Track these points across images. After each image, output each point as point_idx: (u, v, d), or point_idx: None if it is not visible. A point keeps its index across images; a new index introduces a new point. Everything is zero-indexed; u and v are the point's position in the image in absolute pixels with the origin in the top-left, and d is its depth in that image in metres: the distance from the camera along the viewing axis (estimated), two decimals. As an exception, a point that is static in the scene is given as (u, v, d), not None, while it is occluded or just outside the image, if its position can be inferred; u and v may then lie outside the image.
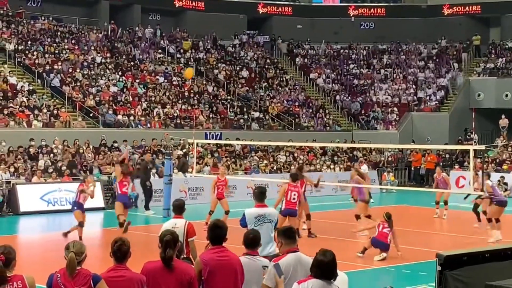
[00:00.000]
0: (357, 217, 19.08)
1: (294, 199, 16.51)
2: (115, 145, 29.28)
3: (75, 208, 17.62)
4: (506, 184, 29.64)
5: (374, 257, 15.26)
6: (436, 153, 35.43)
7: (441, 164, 34.99)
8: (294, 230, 7.24)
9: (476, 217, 20.30)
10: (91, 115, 31.38)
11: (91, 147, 28.47)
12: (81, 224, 17.30)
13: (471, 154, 16.20)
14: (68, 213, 22.99)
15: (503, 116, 37.80)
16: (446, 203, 22.02)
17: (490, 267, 8.34)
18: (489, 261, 8.39)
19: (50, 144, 27.61)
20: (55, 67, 33.47)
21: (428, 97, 41.33)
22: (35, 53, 34.04)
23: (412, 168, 35.33)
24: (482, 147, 17.51)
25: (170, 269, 6.39)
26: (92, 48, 36.85)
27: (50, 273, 6.19)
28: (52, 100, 31.56)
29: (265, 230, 9.69)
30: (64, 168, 25.66)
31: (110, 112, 31.70)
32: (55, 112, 30.32)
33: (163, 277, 6.37)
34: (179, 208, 9.83)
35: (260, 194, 10.21)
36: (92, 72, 34.73)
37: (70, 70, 33.93)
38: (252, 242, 7.15)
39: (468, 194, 20.99)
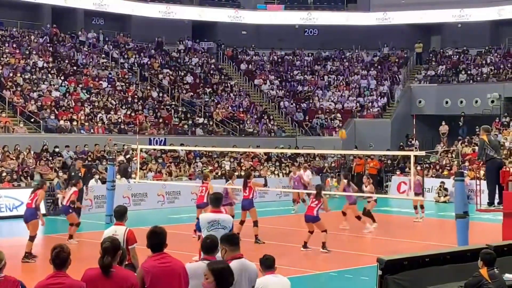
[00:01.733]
0: (359, 218, 20.75)
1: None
2: (57, 150, 28.86)
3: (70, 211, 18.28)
4: (446, 189, 30.19)
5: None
6: (378, 158, 35.88)
7: (383, 169, 35.57)
8: (237, 237, 7.26)
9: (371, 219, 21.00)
10: (32, 120, 30.85)
11: (32, 152, 27.99)
12: (77, 224, 18.38)
13: (412, 160, 16.46)
14: (8, 220, 22.62)
15: (443, 123, 38.51)
16: (422, 207, 22.84)
17: (430, 271, 8.49)
18: (429, 265, 8.54)
19: (-11, 150, 27.04)
20: (-5, 71, 32.85)
21: (370, 104, 41.89)
22: (-26, 56, 33.36)
23: (354, 173, 35.65)
24: (423, 153, 17.81)
25: (109, 276, 6.29)
26: (34, 52, 36.25)
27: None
28: (-8, 104, 30.96)
29: (218, 235, 9.67)
30: (4, 174, 25.17)
31: (52, 117, 31.22)
32: (-5, 117, 29.72)
33: (103, 284, 6.28)
34: (120, 215, 9.66)
35: (215, 200, 10.27)
36: (34, 77, 34.16)
37: (11, 75, 33.31)
38: (209, 247, 7.11)
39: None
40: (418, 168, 24.89)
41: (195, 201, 18.49)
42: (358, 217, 20.76)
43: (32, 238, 15.91)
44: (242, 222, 18.46)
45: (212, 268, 5.87)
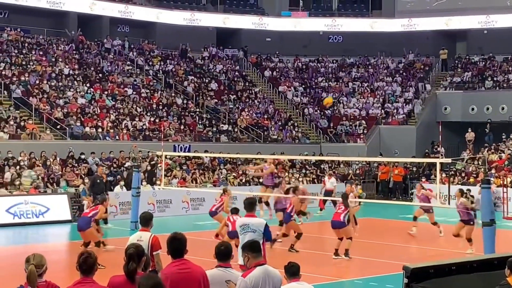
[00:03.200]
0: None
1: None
2: (83, 157, 29.07)
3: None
4: (472, 197, 29.89)
5: None
6: (404, 166, 35.70)
7: (408, 176, 35.35)
8: (259, 244, 7.25)
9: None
10: (58, 127, 31.11)
11: (58, 159, 28.21)
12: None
13: (438, 167, 16.35)
14: (34, 226, 22.80)
15: (469, 130, 38.24)
16: (415, 218, 21.55)
17: (456, 280, 8.41)
18: (455, 273, 8.46)
19: (16, 156, 27.31)
20: (22, 78, 33.16)
21: (395, 110, 41.70)
22: (2, 64, 33.70)
23: (379, 181, 35.53)
24: (449, 160, 17.68)
25: (134, 283, 6.28)
26: (60, 59, 36.58)
27: (16, 286, 6.12)
28: (19, 111, 31.24)
29: (248, 239, 9.80)
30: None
31: (78, 124, 31.46)
32: (22, 124, 30.01)
33: (128, 290, 6.30)
34: (145, 221, 9.69)
35: (249, 205, 10.50)
36: (60, 84, 34.46)
37: (38, 82, 33.64)
38: (223, 254, 7.12)
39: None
40: (423, 180, 24.33)
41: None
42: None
43: (86, 245, 16.17)
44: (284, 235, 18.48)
45: (140, 283, 5.85)
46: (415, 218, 21.53)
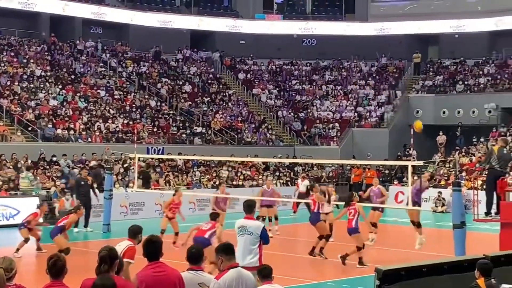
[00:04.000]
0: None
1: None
2: (54, 159, 28.84)
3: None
4: (443, 199, 30.22)
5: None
6: (376, 168, 35.91)
7: (381, 179, 35.54)
8: (232, 246, 7.27)
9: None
10: (29, 128, 30.84)
11: (29, 161, 27.95)
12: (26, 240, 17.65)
13: (410, 169, 16.47)
14: (4, 229, 22.57)
15: (440, 133, 38.59)
16: (375, 225, 20.18)
17: (427, 282, 8.48)
18: (426, 275, 8.53)
19: (-13, 158, 27.02)
20: (-7, 79, 32.87)
21: (368, 114, 41.95)
22: (-28, 65, 33.38)
23: (352, 183, 35.68)
24: (421, 163, 17.81)
25: None
26: (32, 60, 36.28)
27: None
28: (-10, 113, 30.95)
29: (245, 241, 10.12)
30: (0, 183, 25.15)
31: (50, 126, 31.22)
32: (-8, 125, 29.74)
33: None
34: (132, 233, 9.49)
35: (248, 207, 10.55)
36: (32, 85, 34.18)
37: (9, 83, 33.32)
38: (194, 257, 7.12)
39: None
40: (395, 183, 24.38)
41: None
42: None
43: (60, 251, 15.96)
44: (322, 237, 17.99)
45: (95, 284, 5.87)
46: (374, 225, 20.17)
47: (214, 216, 14.57)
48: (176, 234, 18.63)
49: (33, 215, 18.25)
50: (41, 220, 19.33)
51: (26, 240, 17.73)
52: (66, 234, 17.13)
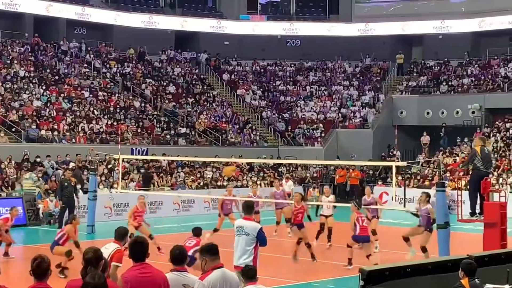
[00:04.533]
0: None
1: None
2: (38, 160, 28.71)
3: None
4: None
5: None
6: (360, 169, 36.02)
7: (365, 180, 35.67)
8: (216, 247, 7.28)
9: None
10: (13, 129, 30.67)
11: (13, 162, 27.82)
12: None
13: (394, 170, 16.52)
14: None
15: (424, 133, 38.78)
16: (374, 232, 19.78)
17: (411, 282, 8.52)
18: (410, 275, 8.57)
19: (-30, 159, 26.86)
20: (-24, 80, 32.66)
21: (352, 114, 42.06)
22: (-45, 65, 33.14)
23: (336, 184, 35.77)
24: (404, 163, 17.86)
25: None
26: (15, 61, 36.08)
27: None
28: (-27, 114, 30.75)
29: (241, 241, 10.30)
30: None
31: (34, 127, 31.06)
32: (-25, 126, 29.55)
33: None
34: (119, 235, 9.46)
35: (247, 208, 10.70)
36: (15, 86, 33.99)
37: (-8, 84, 33.15)
38: (177, 257, 7.12)
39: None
40: (379, 183, 23.75)
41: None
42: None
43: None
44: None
45: (85, 282, 5.89)
46: (373, 231, 19.99)
47: (197, 232, 13.98)
48: (150, 237, 17.74)
49: (2, 220, 17.73)
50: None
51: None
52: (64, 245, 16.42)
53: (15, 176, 26.92)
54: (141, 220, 18.78)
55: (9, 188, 25.99)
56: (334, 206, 21.14)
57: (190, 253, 12.83)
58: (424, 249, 16.38)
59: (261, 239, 10.37)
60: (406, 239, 17.20)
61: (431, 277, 8.82)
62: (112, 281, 6.79)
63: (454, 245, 15.93)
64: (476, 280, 8.10)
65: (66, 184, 23.48)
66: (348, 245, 16.36)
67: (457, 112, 39.99)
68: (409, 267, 8.55)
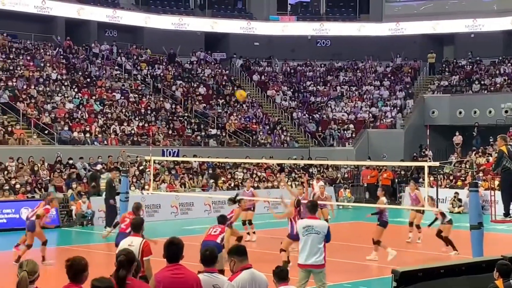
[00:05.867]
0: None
1: None
2: (71, 162, 28.98)
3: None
4: (460, 200, 30.06)
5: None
6: (392, 169, 35.79)
7: (397, 180, 35.43)
8: (244, 248, 7.27)
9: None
10: (46, 132, 31.00)
11: (46, 164, 28.11)
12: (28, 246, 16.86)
13: (426, 171, 16.37)
14: (23, 232, 22.67)
15: (457, 133, 38.41)
16: (418, 227, 20.86)
17: (445, 283, 8.44)
18: (443, 276, 8.49)
19: (4, 162, 27.18)
20: (9, 83, 33.02)
21: (383, 114, 41.81)
22: (-11, 69, 33.59)
23: (366, 185, 35.57)
24: (437, 163, 17.68)
25: None
26: (48, 64, 36.47)
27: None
28: (6, 117, 31.10)
29: (312, 240, 10.51)
30: (18, 186, 25.31)
31: (66, 129, 31.37)
32: (9, 129, 29.89)
33: (117, 297, 6.26)
34: (136, 226, 9.75)
35: (312, 207, 10.93)
36: (48, 89, 34.36)
37: (25, 87, 33.52)
38: (208, 259, 7.12)
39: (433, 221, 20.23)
40: (411, 184, 23.93)
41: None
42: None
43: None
44: None
45: (92, 285, 5.90)
46: (411, 224, 21.17)
47: (222, 219, 14.29)
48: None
49: (44, 210, 17.25)
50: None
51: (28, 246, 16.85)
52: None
53: (48, 178, 27.20)
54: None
55: (42, 190, 26.25)
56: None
57: (218, 240, 13.41)
58: (377, 242, 17.37)
59: (329, 236, 10.72)
60: (377, 242, 17.33)
61: (464, 278, 8.73)
62: (138, 281, 6.78)
63: (488, 246, 15.73)
64: (511, 281, 8.00)
65: (114, 185, 23.90)
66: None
67: (490, 112, 39.54)
68: (442, 268, 8.47)
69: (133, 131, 33.66)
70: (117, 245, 14.78)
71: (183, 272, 6.80)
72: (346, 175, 36.69)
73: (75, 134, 31.33)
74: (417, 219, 20.72)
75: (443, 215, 18.97)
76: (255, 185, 31.62)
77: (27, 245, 16.80)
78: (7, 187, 24.91)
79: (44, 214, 17.19)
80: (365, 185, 35.64)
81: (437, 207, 18.14)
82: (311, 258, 10.50)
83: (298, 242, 15.87)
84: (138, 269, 6.85)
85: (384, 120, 41.38)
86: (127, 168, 27.69)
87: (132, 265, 6.43)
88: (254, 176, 32.73)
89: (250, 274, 7.01)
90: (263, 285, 7.12)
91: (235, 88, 43.48)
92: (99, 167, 28.77)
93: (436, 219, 19.34)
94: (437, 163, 17.39)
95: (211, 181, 30.56)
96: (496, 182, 23.72)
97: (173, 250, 6.87)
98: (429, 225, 19.77)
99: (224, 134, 37.43)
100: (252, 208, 21.52)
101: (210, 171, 32.01)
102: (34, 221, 16.89)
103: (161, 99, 38.68)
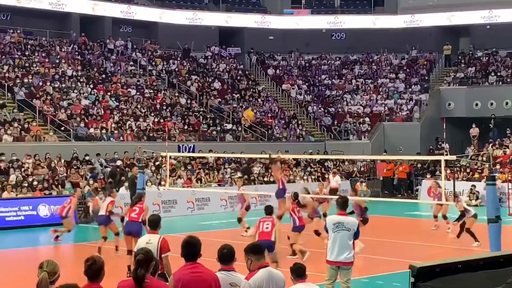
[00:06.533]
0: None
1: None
2: (87, 158, 29.10)
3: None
4: (477, 193, 29.90)
5: None
6: (408, 162, 35.65)
7: (413, 173, 35.28)
8: (260, 246, 7.26)
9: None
10: (62, 128, 31.14)
11: (62, 161, 28.24)
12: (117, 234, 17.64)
13: (443, 164, 16.31)
14: (44, 228, 22.79)
15: (473, 125, 38.14)
16: (445, 217, 21.41)
17: (463, 278, 8.39)
18: (462, 272, 8.44)
19: (21, 159, 27.34)
20: (25, 80, 33.20)
21: (399, 107, 41.64)
22: (4, 66, 33.73)
23: (382, 178, 35.47)
24: (454, 157, 17.60)
25: None
26: (63, 61, 36.61)
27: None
28: (23, 114, 31.26)
29: (342, 237, 10.51)
30: (35, 182, 25.44)
31: (82, 125, 31.49)
32: (26, 126, 30.05)
33: (136, 296, 6.28)
34: (154, 224, 9.76)
35: (342, 204, 10.87)
36: (63, 85, 34.50)
37: (41, 84, 33.67)
38: (225, 257, 7.10)
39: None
40: (434, 183, 24.00)
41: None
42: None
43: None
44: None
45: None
46: (435, 216, 21.83)
47: (269, 210, 14.37)
48: (117, 234, 17.82)
49: (110, 203, 18.03)
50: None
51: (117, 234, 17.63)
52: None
53: (65, 174, 27.33)
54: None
55: (59, 186, 26.39)
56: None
57: (272, 238, 13.74)
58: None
59: (358, 233, 10.76)
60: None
61: (482, 273, 8.67)
62: (157, 280, 6.79)
63: (506, 239, 15.63)
64: (529, 276, 7.94)
65: (136, 180, 23.94)
66: None
67: (507, 103, 39.26)
68: (460, 263, 8.42)
69: (148, 127, 33.73)
70: (126, 233, 15.03)
71: (201, 270, 6.80)
72: (362, 169, 36.59)
73: (91, 130, 31.45)
74: (444, 209, 21.02)
75: (467, 211, 19.18)
76: (271, 179, 31.62)
77: (103, 237, 17.47)
78: (25, 184, 25.04)
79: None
80: (381, 178, 35.55)
81: (453, 200, 18.08)
82: (341, 255, 10.49)
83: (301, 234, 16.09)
84: (156, 268, 6.86)
85: (400, 113, 41.21)
86: (144, 164, 27.79)
87: (151, 264, 6.43)
88: (270, 170, 32.67)
89: (268, 272, 7.00)
90: (280, 283, 7.11)
91: (250, 83, 43.52)
92: (119, 163, 28.85)
93: (461, 215, 19.48)
94: (454, 157, 17.29)
95: (245, 177, 29.96)
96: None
97: (191, 249, 6.87)
98: (456, 220, 19.96)
99: (239, 129, 37.43)
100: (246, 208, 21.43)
101: (243, 166, 31.86)
102: (106, 216, 17.65)
103: (176, 94, 38.74)
